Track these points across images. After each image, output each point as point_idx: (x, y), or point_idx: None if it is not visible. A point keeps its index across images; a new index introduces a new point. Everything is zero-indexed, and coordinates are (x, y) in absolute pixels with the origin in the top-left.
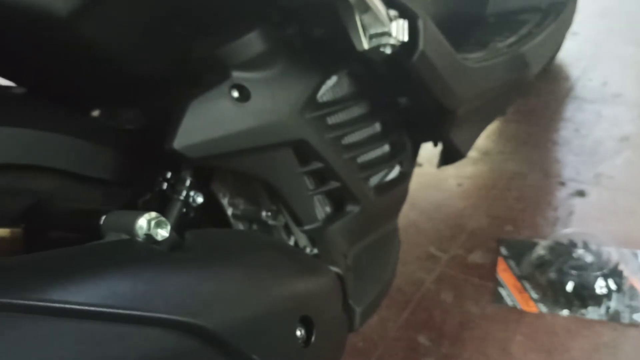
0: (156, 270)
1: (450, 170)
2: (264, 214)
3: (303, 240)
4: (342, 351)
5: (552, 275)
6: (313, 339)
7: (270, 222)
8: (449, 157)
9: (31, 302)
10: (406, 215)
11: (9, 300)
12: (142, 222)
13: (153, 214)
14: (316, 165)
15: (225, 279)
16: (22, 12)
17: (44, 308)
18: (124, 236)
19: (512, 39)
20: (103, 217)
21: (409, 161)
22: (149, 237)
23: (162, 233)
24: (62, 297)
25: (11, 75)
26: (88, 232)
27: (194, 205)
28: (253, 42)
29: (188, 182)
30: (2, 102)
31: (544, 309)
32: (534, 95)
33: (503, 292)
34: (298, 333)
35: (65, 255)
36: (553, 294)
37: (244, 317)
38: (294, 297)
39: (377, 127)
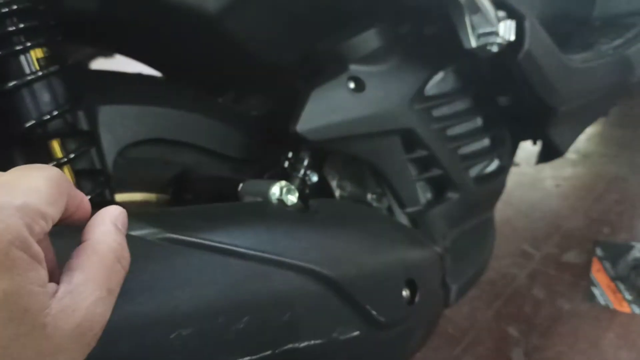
0: (290, 226)
1: (548, 170)
2: (369, 196)
3: (405, 222)
4: (437, 322)
5: None
6: (416, 299)
7: (375, 203)
8: (547, 154)
9: (199, 240)
10: (501, 212)
11: (183, 237)
12: (275, 189)
13: (284, 182)
14: (421, 153)
15: (346, 238)
16: (176, 9)
17: (209, 246)
18: (260, 200)
19: (617, 42)
20: (241, 185)
21: (508, 156)
22: (281, 202)
23: (292, 199)
24: (221, 239)
25: (154, 64)
26: (225, 198)
27: (309, 183)
28: (370, 39)
29: (306, 162)
30: (153, 86)
31: (637, 310)
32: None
33: (596, 291)
34: (404, 293)
35: (221, 208)
36: None
37: (361, 271)
38: (402, 261)
39: (479, 121)
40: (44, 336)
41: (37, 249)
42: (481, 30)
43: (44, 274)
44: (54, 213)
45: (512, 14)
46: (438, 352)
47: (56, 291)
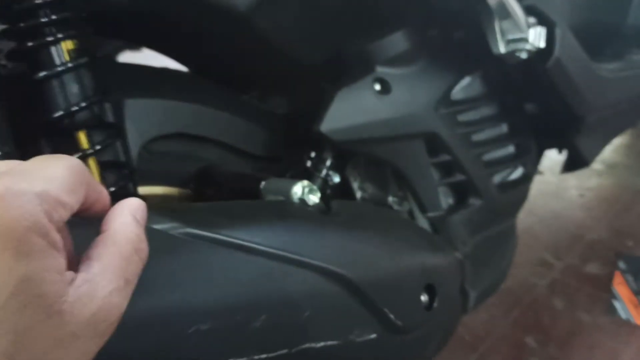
0: (311, 227)
1: (573, 180)
2: (390, 199)
3: (425, 226)
4: (455, 328)
5: None
6: (434, 305)
7: (396, 207)
8: (573, 164)
9: (220, 237)
10: (523, 220)
11: (204, 233)
12: (297, 189)
13: (306, 182)
14: (444, 157)
15: (367, 241)
16: (207, 5)
17: (229, 243)
18: (281, 199)
19: None
20: (263, 182)
21: (532, 164)
22: (302, 202)
23: (313, 199)
24: (241, 236)
25: (181, 58)
26: (247, 195)
27: (331, 183)
28: (398, 41)
29: (328, 162)
30: (179, 81)
31: None
32: None
33: (617, 304)
34: (422, 298)
35: (242, 205)
36: None
37: (380, 275)
38: (422, 266)
39: (504, 128)
40: (60, 323)
41: (56, 236)
42: (511, 36)
43: (61, 261)
44: (73, 202)
45: (542, 20)
46: (453, 358)
47: (74, 279)
